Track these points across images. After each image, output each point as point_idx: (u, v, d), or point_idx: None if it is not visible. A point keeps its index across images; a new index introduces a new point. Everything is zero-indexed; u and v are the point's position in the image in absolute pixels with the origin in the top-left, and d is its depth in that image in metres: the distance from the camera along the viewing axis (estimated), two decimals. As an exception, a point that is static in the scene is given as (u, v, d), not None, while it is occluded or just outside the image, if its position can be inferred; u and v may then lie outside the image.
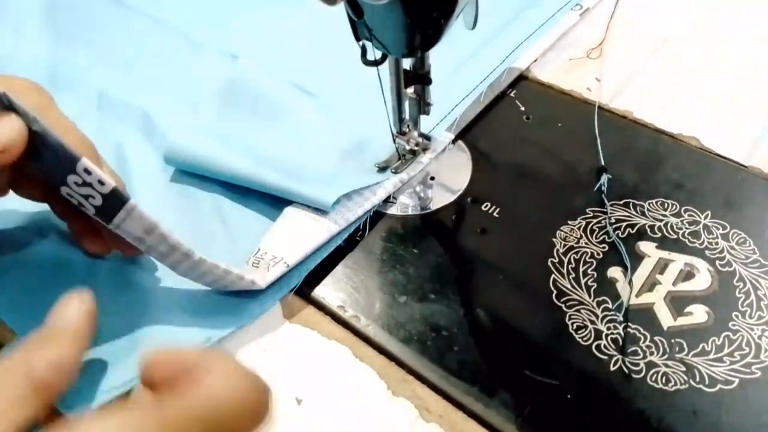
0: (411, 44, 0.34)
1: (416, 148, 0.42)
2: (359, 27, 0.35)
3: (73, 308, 0.28)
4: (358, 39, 0.36)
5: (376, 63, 0.36)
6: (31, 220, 0.39)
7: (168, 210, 0.41)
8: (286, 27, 0.53)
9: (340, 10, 0.34)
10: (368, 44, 0.36)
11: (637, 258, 0.37)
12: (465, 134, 0.45)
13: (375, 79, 0.38)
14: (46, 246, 0.38)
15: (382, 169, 0.42)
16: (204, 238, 0.39)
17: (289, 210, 0.40)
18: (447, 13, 0.33)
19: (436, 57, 0.39)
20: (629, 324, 0.35)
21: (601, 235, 0.39)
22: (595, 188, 0.41)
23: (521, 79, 0.48)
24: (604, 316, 0.35)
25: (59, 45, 0.52)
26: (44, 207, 0.37)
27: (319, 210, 0.39)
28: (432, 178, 0.43)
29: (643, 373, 0.33)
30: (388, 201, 0.41)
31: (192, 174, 0.43)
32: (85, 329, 0.28)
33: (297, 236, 0.38)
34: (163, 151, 0.43)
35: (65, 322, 0.28)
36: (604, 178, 0.41)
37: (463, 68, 0.48)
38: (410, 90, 0.40)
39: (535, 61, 0.49)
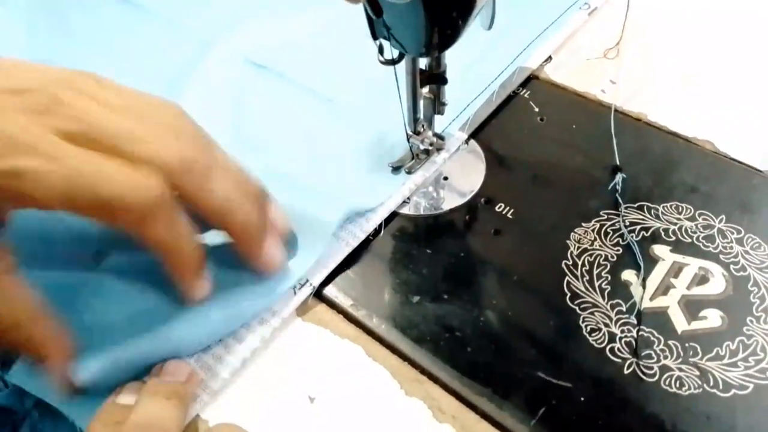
0: (429, 44, 0.34)
1: (430, 148, 0.42)
2: (377, 26, 0.35)
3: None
4: (375, 38, 0.36)
5: (393, 62, 0.36)
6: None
7: None
8: (299, 28, 0.52)
9: (355, 11, 0.34)
10: (385, 43, 0.36)
11: (651, 261, 0.37)
12: (478, 135, 0.45)
13: (387, 78, 0.38)
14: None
15: (396, 168, 0.42)
16: (217, 247, 0.39)
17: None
18: (466, 13, 0.33)
19: (448, 56, 0.38)
20: (643, 327, 0.35)
21: (615, 237, 0.39)
22: (609, 187, 0.41)
23: (535, 79, 0.48)
24: (618, 319, 0.35)
25: (72, 47, 0.52)
26: None
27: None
28: (445, 178, 0.43)
29: (656, 377, 0.33)
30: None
31: None
32: None
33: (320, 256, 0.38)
34: None
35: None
36: (619, 177, 0.41)
37: (474, 68, 0.48)
38: (425, 90, 0.40)
39: (548, 61, 0.49)
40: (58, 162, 0.28)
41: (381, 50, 0.36)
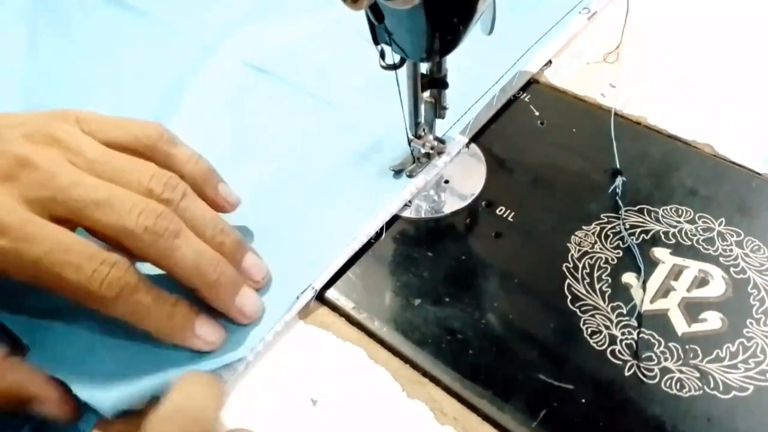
0: (430, 49, 0.35)
1: (431, 152, 0.43)
2: (379, 31, 0.35)
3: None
4: (376, 43, 0.36)
5: (394, 67, 0.37)
6: None
7: None
8: (299, 31, 0.53)
9: (355, 15, 0.35)
10: (386, 48, 0.36)
11: (652, 264, 0.38)
12: (479, 139, 0.45)
13: (388, 82, 0.38)
14: None
15: (397, 172, 0.43)
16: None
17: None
18: (467, 18, 0.33)
19: (448, 60, 0.39)
20: (643, 330, 0.35)
21: (616, 240, 0.39)
22: (610, 190, 0.41)
23: (535, 83, 0.48)
24: (619, 322, 0.36)
25: (72, 51, 0.52)
26: None
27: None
28: (446, 182, 0.43)
29: (657, 379, 0.33)
30: (402, 204, 0.42)
31: None
32: None
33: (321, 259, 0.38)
34: None
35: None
36: (619, 180, 0.41)
37: (475, 72, 0.48)
38: (426, 94, 0.40)
39: (549, 65, 0.49)
40: (28, 243, 0.30)
41: (382, 55, 0.37)
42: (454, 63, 0.39)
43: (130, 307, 0.31)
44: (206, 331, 0.34)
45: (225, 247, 0.34)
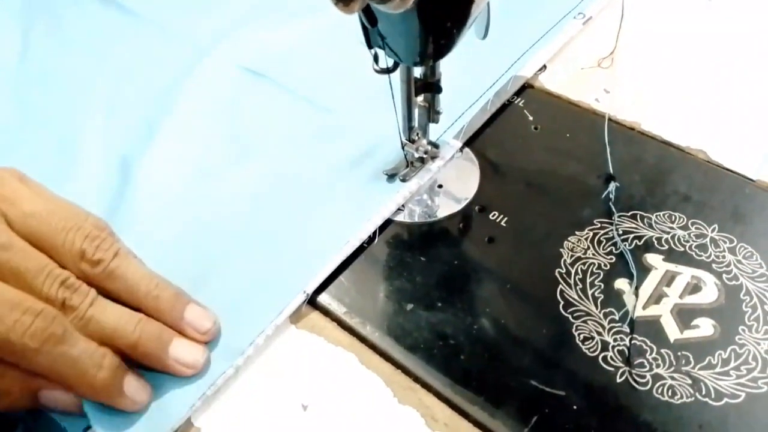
0: (424, 53, 0.34)
1: (425, 156, 0.43)
2: (372, 35, 0.35)
3: None
4: (370, 47, 0.36)
5: (388, 71, 0.37)
6: None
7: (176, 227, 0.41)
8: (294, 35, 0.52)
9: (350, 19, 0.34)
10: (380, 52, 0.36)
11: (644, 270, 0.38)
12: (473, 143, 0.45)
13: (382, 86, 0.38)
14: None
15: (391, 176, 0.42)
16: (211, 258, 0.39)
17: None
18: (460, 23, 0.33)
19: (442, 65, 0.39)
20: (636, 336, 0.35)
21: (609, 246, 0.39)
22: (603, 196, 0.41)
23: (529, 88, 0.48)
24: (611, 328, 0.35)
25: (66, 53, 0.52)
26: None
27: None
28: (440, 186, 0.43)
29: (649, 386, 0.33)
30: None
31: (200, 193, 0.43)
32: None
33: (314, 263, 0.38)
34: (169, 167, 0.43)
35: None
36: (612, 186, 0.41)
37: (469, 76, 0.48)
38: (420, 98, 0.40)
39: (543, 70, 0.49)
40: None
41: (376, 59, 0.37)
42: (448, 67, 0.39)
43: (53, 359, 0.30)
44: (134, 391, 0.32)
45: (161, 302, 0.34)
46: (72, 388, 0.32)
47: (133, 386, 0.32)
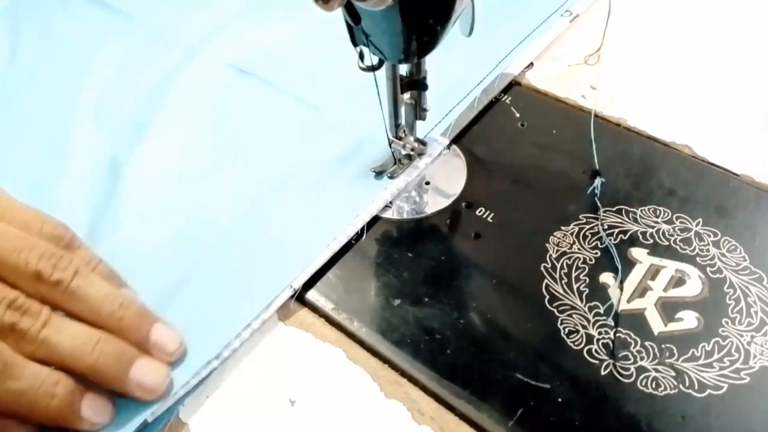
0: (407, 50, 0.35)
1: (412, 153, 0.43)
2: (356, 32, 0.35)
3: None
4: (355, 44, 0.36)
5: (373, 68, 0.37)
6: None
7: (165, 224, 0.41)
8: (282, 34, 0.53)
9: (336, 17, 0.35)
10: (365, 50, 0.36)
11: (629, 264, 0.38)
12: (460, 140, 0.45)
13: (370, 84, 0.38)
14: None
15: (379, 173, 0.43)
16: (201, 254, 0.39)
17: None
18: (443, 20, 0.33)
19: (429, 62, 0.39)
20: (620, 329, 0.35)
21: (594, 240, 0.39)
22: (589, 191, 0.41)
23: (516, 85, 0.49)
24: (596, 321, 0.36)
25: (55, 52, 0.52)
26: None
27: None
28: (427, 183, 0.43)
29: (633, 378, 0.34)
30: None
31: (190, 190, 0.43)
32: None
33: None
34: (158, 166, 0.44)
35: None
36: (598, 181, 0.41)
37: (456, 73, 0.48)
38: (406, 95, 0.41)
39: (530, 67, 0.50)
40: None
41: (361, 56, 0.37)
42: (434, 64, 0.39)
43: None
44: (92, 413, 0.31)
45: (125, 322, 0.32)
46: (26, 420, 0.30)
47: (92, 408, 0.31)
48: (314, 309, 0.38)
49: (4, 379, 0.29)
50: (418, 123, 0.43)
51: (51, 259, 0.31)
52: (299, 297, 0.38)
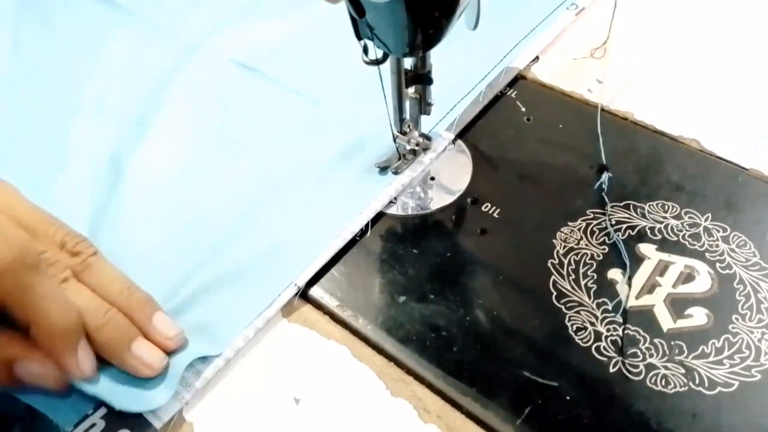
0: (412, 44, 0.34)
1: (417, 148, 0.42)
2: (361, 26, 0.35)
3: None
4: (359, 38, 0.36)
5: (377, 62, 0.36)
6: None
7: (168, 221, 0.41)
8: (285, 29, 0.52)
9: (340, 10, 0.34)
10: (369, 43, 0.36)
11: (637, 260, 0.37)
12: (465, 135, 0.45)
13: (374, 79, 0.37)
14: None
15: (383, 168, 0.42)
16: (203, 252, 0.39)
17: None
18: (449, 13, 0.33)
19: (434, 56, 0.38)
20: (629, 326, 0.35)
21: (602, 236, 0.39)
22: (596, 186, 0.41)
23: (522, 79, 0.48)
24: (604, 318, 0.35)
25: (56, 48, 0.52)
26: None
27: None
28: (432, 178, 0.43)
29: (642, 375, 0.33)
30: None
31: (193, 186, 0.42)
32: None
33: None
34: (161, 162, 0.43)
35: None
36: (605, 176, 0.41)
37: (461, 68, 0.47)
38: (411, 90, 0.40)
39: (536, 61, 0.49)
40: None
41: (365, 50, 0.36)
42: (439, 58, 0.39)
43: (22, 287, 0.30)
44: (83, 357, 0.32)
45: (132, 301, 0.34)
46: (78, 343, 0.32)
47: (141, 348, 0.33)
48: (318, 306, 0.37)
49: (59, 295, 0.31)
50: (423, 118, 0.42)
51: (75, 238, 0.34)
52: (303, 294, 0.37)
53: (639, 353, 0.34)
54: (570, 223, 0.39)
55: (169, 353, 0.34)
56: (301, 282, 0.37)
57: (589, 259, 0.38)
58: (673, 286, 0.36)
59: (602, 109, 0.45)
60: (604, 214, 0.39)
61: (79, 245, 0.34)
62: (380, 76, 0.37)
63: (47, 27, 0.53)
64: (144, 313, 0.34)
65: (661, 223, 0.39)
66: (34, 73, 0.50)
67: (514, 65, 0.48)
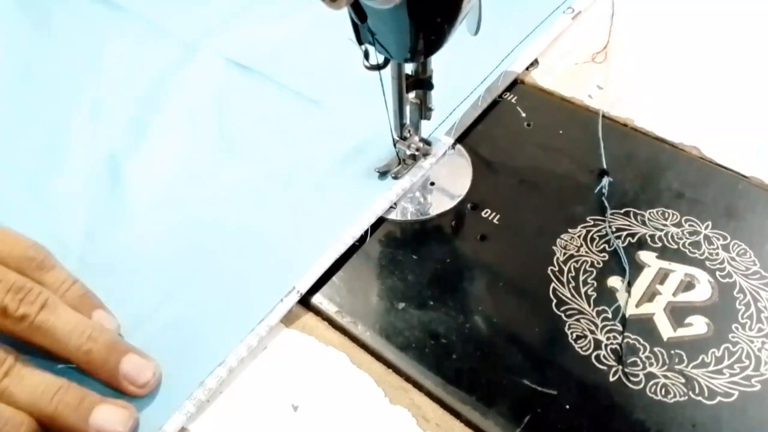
0: (414, 49, 0.34)
1: (417, 153, 0.42)
2: (362, 31, 0.34)
3: None
4: (360, 43, 0.35)
5: (378, 67, 0.36)
6: None
7: (165, 225, 0.40)
8: (285, 30, 0.52)
9: (341, 14, 0.34)
10: (371, 48, 0.36)
11: (638, 268, 0.37)
12: (465, 140, 0.45)
13: (374, 83, 0.37)
14: None
15: (383, 173, 0.42)
16: (200, 253, 0.38)
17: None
18: (451, 18, 0.33)
19: (434, 61, 0.38)
20: (629, 334, 0.35)
21: (602, 243, 0.38)
22: (596, 191, 0.41)
23: (521, 84, 0.48)
24: (604, 326, 0.35)
25: (53, 49, 0.51)
26: None
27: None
28: (432, 184, 0.43)
29: (642, 385, 0.33)
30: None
31: (190, 190, 0.42)
32: None
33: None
34: (158, 165, 0.43)
35: None
36: (606, 181, 0.41)
37: (460, 72, 0.47)
38: (411, 95, 0.40)
39: (536, 65, 0.49)
40: None
41: (366, 55, 0.36)
42: (439, 63, 0.39)
43: None
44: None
45: (93, 355, 0.32)
46: None
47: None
48: (317, 312, 0.37)
49: None
50: (423, 123, 0.42)
51: (18, 293, 0.31)
52: (302, 300, 0.37)
53: (639, 362, 0.34)
54: (570, 230, 0.39)
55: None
56: (302, 287, 0.37)
57: (589, 267, 0.38)
58: (674, 295, 0.36)
59: (603, 115, 0.45)
60: (605, 221, 0.39)
61: (24, 305, 0.31)
62: (381, 82, 0.37)
63: (44, 27, 0.53)
64: (109, 365, 0.32)
65: (662, 230, 0.39)
66: (31, 73, 0.49)
67: (512, 69, 0.48)
